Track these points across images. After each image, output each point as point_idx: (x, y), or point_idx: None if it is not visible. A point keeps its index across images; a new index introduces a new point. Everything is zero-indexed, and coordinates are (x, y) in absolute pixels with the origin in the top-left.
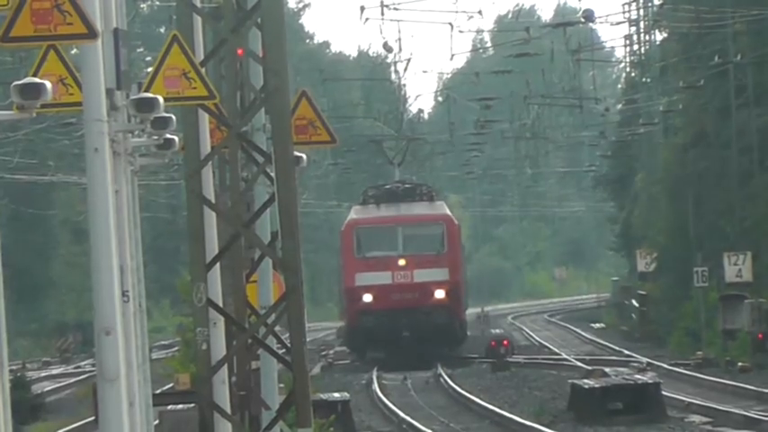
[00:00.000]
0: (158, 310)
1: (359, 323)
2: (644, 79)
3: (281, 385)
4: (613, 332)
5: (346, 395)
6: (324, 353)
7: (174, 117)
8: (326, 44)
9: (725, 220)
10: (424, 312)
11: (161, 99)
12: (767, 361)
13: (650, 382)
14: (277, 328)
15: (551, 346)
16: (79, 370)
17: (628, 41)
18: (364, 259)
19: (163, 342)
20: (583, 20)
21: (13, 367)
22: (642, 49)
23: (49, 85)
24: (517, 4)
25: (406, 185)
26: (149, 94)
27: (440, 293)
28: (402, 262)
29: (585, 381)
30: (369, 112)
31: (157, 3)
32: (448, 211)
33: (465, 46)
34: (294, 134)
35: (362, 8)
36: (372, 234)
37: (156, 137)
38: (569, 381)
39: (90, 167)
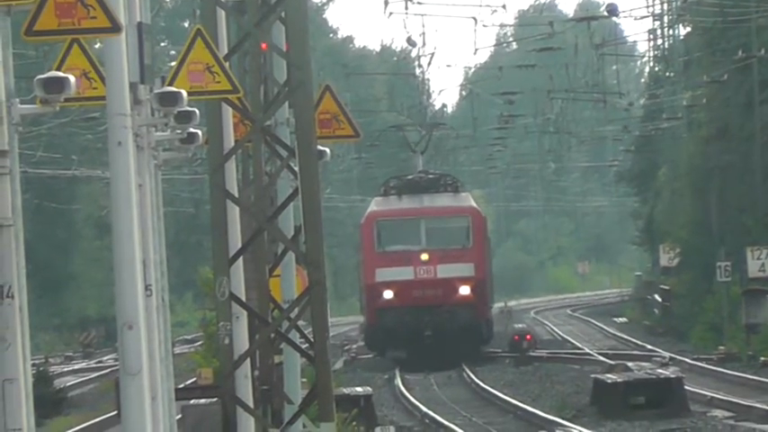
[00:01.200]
0: (181, 304)
1: (379, 321)
2: (667, 74)
3: (304, 380)
4: (636, 327)
5: (369, 389)
6: (347, 347)
7: (197, 111)
8: (350, 39)
9: (748, 214)
10: (448, 310)
11: (184, 93)
12: None
13: (673, 376)
14: (300, 323)
15: (574, 341)
16: (101, 364)
17: (651, 36)
18: (385, 254)
19: (186, 336)
20: (606, 14)
21: (36, 362)
22: (666, 43)
23: (72, 79)
24: None
25: (430, 176)
26: (173, 88)
27: (465, 290)
28: (425, 257)
29: (608, 375)
30: (392, 106)
31: None
32: (474, 203)
33: (488, 40)
34: (318, 128)
35: (386, 2)
36: (394, 227)
37: (179, 131)
38: (592, 375)
39: (113, 162)
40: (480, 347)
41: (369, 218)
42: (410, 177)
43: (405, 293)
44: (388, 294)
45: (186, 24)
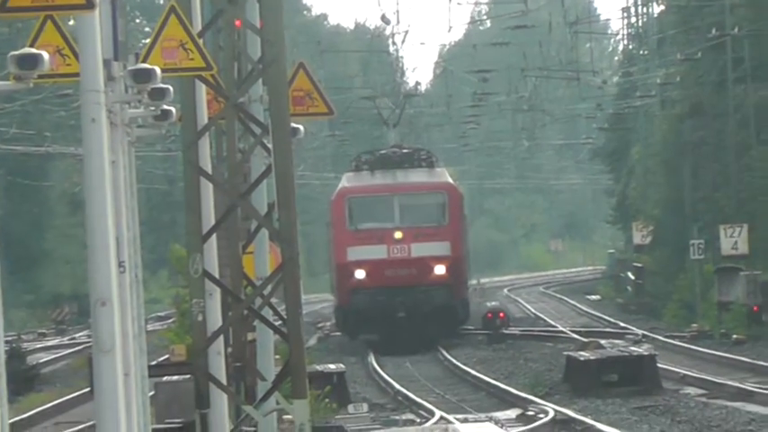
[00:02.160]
0: (155, 281)
1: (350, 302)
2: (641, 51)
3: (277, 356)
4: (609, 304)
5: (342, 366)
6: (320, 324)
7: (171, 88)
8: (324, 16)
9: (721, 192)
10: (423, 291)
11: (158, 70)
12: (762, 333)
13: (645, 354)
14: (273, 300)
15: (547, 319)
16: (75, 341)
17: (625, 14)
18: (357, 232)
19: (159, 314)
20: None
21: (9, 338)
22: (640, 21)
23: (46, 55)
24: None
25: (404, 150)
26: (146, 65)
27: (440, 270)
28: (398, 235)
29: (581, 353)
30: (366, 84)
31: None
32: (449, 179)
33: (463, 18)
34: (291, 105)
35: None
36: (366, 204)
37: (153, 108)
38: (565, 353)
39: (86, 138)
40: (457, 329)
41: (340, 194)
42: (383, 152)
43: (377, 273)
44: (360, 274)
45: (161, 1)
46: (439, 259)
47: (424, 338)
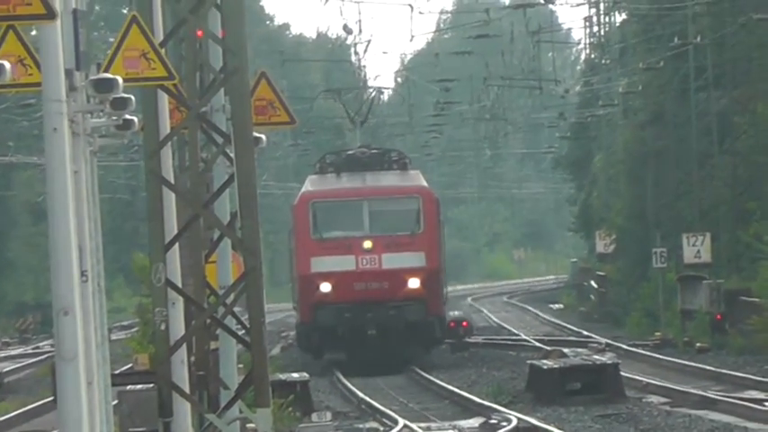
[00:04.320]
0: (118, 290)
1: (314, 318)
2: (603, 60)
3: (240, 365)
4: (572, 313)
5: (305, 375)
6: (284, 334)
7: (133, 98)
8: (287, 26)
9: (684, 201)
10: (395, 306)
11: (120, 80)
12: (725, 341)
13: (609, 362)
14: (236, 309)
15: (510, 327)
16: (38, 350)
17: (587, 23)
18: (322, 241)
19: (123, 323)
20: (542, 1)
21: None
22: (602, 30)
23: (8, 65)
24: None
25: (373, 151)
26: (108, 75)
27: (414, 283)
28: (368, 244)
29: (544, 361)
30: (328, 94)
31: None
32: (424, 183)
33: (425, 27)
34: (254, 115)
35: None
36: (331, 210)
37: (115, 117)
38: (528, 361)
39: (49, 148)
40: (433, 348)
41: (303, 199)
42: (350, 152)
43: (345, 287)
44: (325, 288)
45: (125, 11)
46: (413, 271)
47: (397, 359)
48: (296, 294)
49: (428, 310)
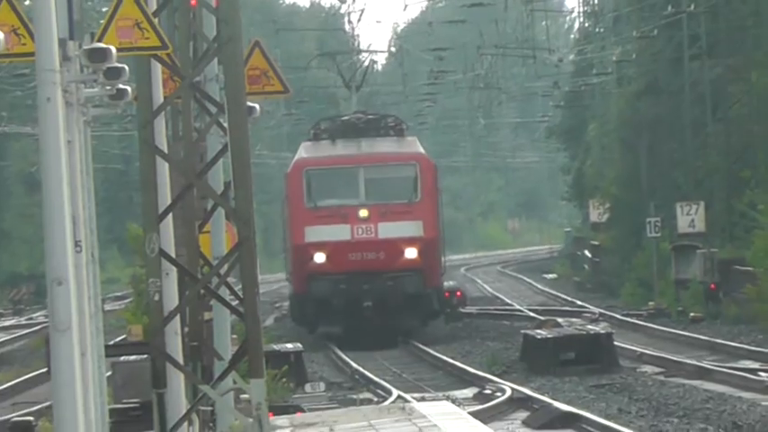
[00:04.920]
0: (111, 261)
1: (308, 289)
2: (597, 29)
3: (234, 336)
4: (566, 283)
5: (299, 346)
6: (277, 304)
7: (126, 67)
8: None
9: (678, 170)
10: (392, 277)
11: (114, 49)
12: (719, 311)
13: (602, 332)
14: (230, 279)
15: (504, 297)
16: (32, 321)
17: None
18: (316, 209)
19: (116, 293)
20: None
21: None
22: None
23: (1, 35)
24: None
25: (369, 116)
26: (102, 44)
27: (411, 253)
28: (364, 213)
29: (538, 331)
30: (322, 62)
31: None
32: (421, 149)
33: None
34: (247, 84)
35: None
36: (326, 177)
37: (108, 87)
38: (522, 331)
39: (42, 118)
40: (431, 321)
41: (296, 166)
42: (345, 118)
43: (340, 257)
44: (319, 258)
45: None
46: (410, 241)
47: (394, 332)
48: (289, 265)
49: (426, 282)
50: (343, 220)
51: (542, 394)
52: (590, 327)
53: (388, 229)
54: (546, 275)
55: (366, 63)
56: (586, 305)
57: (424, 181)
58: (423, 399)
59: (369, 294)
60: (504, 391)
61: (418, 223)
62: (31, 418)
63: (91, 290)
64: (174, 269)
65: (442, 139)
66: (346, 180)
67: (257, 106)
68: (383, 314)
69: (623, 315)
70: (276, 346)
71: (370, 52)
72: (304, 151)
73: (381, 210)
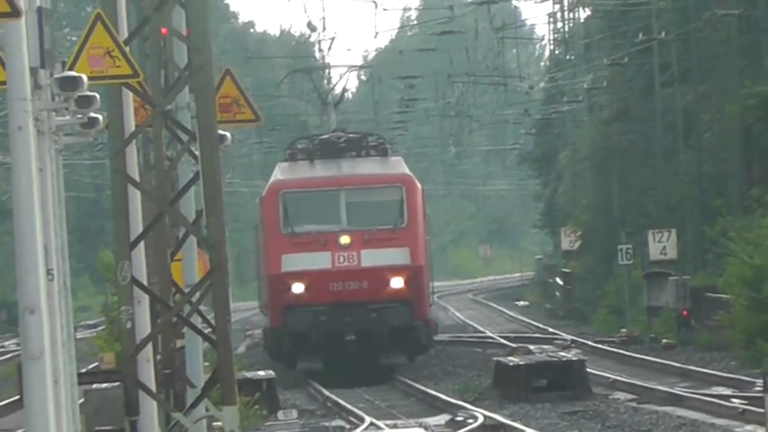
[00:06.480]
0: (83, 289)
1: (285, 323)
2: (568, 56)
3: (206, 363)
4: (538, 310)
5: (271, 373)
6: (249, 332)
7: (98, 96)
8: (251, 24)
9: (649, 197)
10: (376, 309)
11: (85, 78)
12: (691, 337)
13: (575, 359)
14: (202, 307)
15: (476, 325)
16: (4, 349)
17: (551, 19)
18: (293, 235)
19: (88, 321)
20: None
21: None
22: (566, 26)
23: None
24: None
25: (350, 135)
26: (73, 73)
27: (397, 283)
28: (345, 239)
29: (510, 358)
30: (293, 90)
31: None
32: (407, 170)
33: (389, 24)
34: (218, 112)
35: None
36: (304, 201)
37: (80, 115)
38: (494, 358)
39: (14, 146)
40: (417, 355)
41: (272, 189)
42: (324, 137)
43: (319, 287)
44: (297, 288)
45: (89, 9)
46: (396, 270)
47: (379, 368)
48: (264, 296)
49: (413, 313)
50: (323, 247)
51: (515, 421)
52: (562, 354)
53: (372, 257)
54: (518, 303)
55: (343, 78)
56: (558, 332)
57: (411, 204)
58: (395, 426)
59: (351, 327)
60: (476, 418)
61: (405, 250)
62: None
63: (63, 318)
64: (147, 297)
65: (413, 166)
66: (326, 204)
67: (228, 134)
68: (367, 349)
69: (595, 342)
70: (248, 374)
71: (348, 67)
72: (280, 173)
73: (364, 236)
